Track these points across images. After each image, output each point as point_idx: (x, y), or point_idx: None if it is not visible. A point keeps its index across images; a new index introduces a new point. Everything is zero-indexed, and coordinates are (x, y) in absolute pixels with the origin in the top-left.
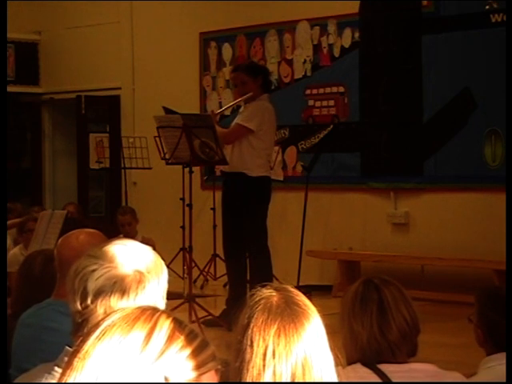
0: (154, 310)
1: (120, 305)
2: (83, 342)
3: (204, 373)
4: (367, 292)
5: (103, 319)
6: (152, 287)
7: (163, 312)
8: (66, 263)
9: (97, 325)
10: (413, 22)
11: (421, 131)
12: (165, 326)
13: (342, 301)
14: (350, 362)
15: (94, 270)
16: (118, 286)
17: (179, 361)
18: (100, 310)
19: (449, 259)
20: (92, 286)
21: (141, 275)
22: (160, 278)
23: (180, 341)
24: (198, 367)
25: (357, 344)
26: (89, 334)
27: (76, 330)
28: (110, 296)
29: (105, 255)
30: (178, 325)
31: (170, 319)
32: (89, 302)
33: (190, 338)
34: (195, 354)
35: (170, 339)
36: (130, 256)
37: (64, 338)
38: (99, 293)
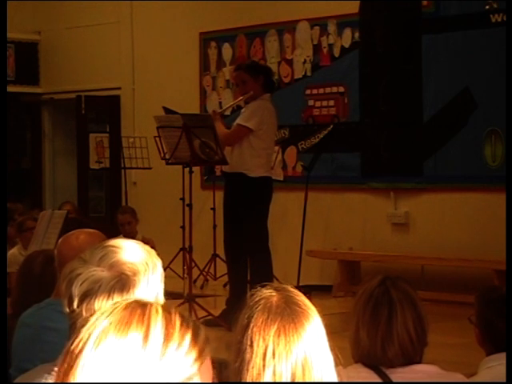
0: (143, 308)
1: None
2: (76, 353)
3: (203, 361)
4: (381, 298)
5: (91, 324)
6: (140, 290)
7: (151, 307)
8: (66, 263)
9: (85, 331)
10: (413, 22)
11: (421, 131)
12: (158, 325)
13: (356, 297)
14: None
15: (79, 274)
16: (103, 289)
17: (180, 358)
18: (86, 314)
19: (449, 259)
20: (76, 290)
21: (127, 278)
22: (149, 279)
23: (176, 337)
24: (198, 357)
25: (359, 348)
26: (79, 342)
27: (70, 332)
28: (94, 300)
29: (94, 258)
30: (169, 319)
31: (161, 316)
32: (75, 306)
33: (184, 329)
34: (193, 345)
35: (167, 338)
36: (118, 258)
37: (64, 338)
38: (84, 297)
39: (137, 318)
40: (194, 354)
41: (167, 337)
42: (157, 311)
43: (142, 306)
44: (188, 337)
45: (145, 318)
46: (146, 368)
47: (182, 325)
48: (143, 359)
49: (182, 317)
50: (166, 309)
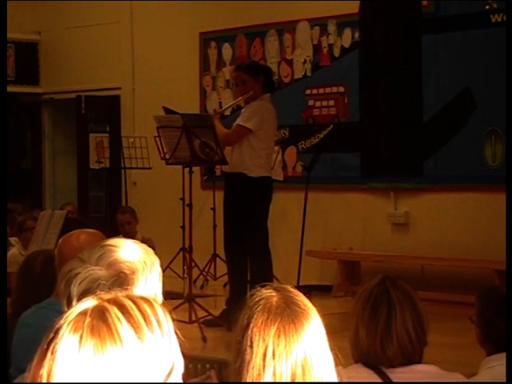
0: (106, 323)
1: None
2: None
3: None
4: (380, 298)
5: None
6: (138, 288)
7: (112, 318)
8: (67, 263)
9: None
10: (413, 22)
11: (421, 131)
12: (128, 334)
13: (356, 297)
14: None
15: (77, 274)
16: (102, 288)
17: (156, 354)
18: None
19: (449, 259)
20: (75, 289)
21: (126, 276)
22: (148, 277)
23: (146, 335)
24: (170, 343)
25: (358, 348)
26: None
27: None
28: None
29: (92, 257)
30: (128, 315)
31: (125, 323)
32: (74, 305)
33: (149, 324)
34: (162, 333)
35: (141, 340)
36: (116, 257)
37: None
38: (83, 296)
39: (108, 338)
40: (166, 341)
41: (140, 339)
42: (119, 320)
43: (104, 321)
44: (156, 328)
45: (115, 335)
46: (130, 370)
47: (146, 320)
48: (125, 364)
49: (142, 312)
50: (124, 309)
